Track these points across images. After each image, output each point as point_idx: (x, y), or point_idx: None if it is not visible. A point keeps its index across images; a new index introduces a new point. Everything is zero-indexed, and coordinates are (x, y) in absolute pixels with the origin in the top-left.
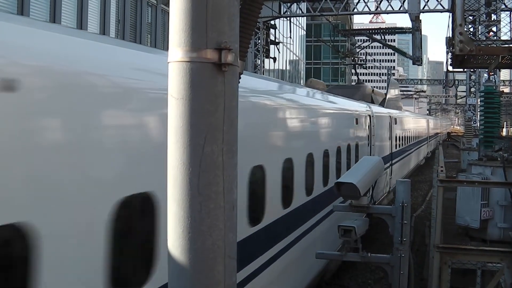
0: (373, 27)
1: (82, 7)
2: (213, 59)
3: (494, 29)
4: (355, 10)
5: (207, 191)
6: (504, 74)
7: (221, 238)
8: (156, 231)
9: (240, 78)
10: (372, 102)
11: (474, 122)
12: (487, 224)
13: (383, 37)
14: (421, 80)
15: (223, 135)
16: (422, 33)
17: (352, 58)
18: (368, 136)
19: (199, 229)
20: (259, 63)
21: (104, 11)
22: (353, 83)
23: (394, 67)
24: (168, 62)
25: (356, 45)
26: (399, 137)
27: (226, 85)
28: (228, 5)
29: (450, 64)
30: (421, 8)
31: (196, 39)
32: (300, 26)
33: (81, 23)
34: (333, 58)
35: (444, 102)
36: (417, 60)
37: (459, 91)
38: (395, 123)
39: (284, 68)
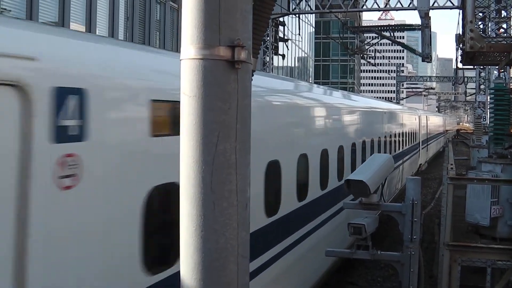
0: (382, 24)
1: (91, 4)
2: (226, 57)
3: (504, 26)
4: (364, 7)
5: (220, 189)
6: None
7: (234, 237)
8: None
9: (253, 75)
10: None
11: (484, 120)
12: (497, 221)
13: (392, 34)
14: (430, 77)
15: (236, 133)
16: (432, 30)
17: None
18: (444, 124)
19: (212, 228)
20: (268, 60)
21: (113, 9)
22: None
23: (403, 64)
24: (180, 60)
25: (365, 42)
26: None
27: (239, 82)
28: (241, 1)
29: (460, 61)
30: (431, 5)
31: (209, 36)
32: (309, 23)
33: (90, 21)
34: (342, 55)
35: (453, 99)
36: (426, 57)
37: (469, 88)
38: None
39: (293, 65)
